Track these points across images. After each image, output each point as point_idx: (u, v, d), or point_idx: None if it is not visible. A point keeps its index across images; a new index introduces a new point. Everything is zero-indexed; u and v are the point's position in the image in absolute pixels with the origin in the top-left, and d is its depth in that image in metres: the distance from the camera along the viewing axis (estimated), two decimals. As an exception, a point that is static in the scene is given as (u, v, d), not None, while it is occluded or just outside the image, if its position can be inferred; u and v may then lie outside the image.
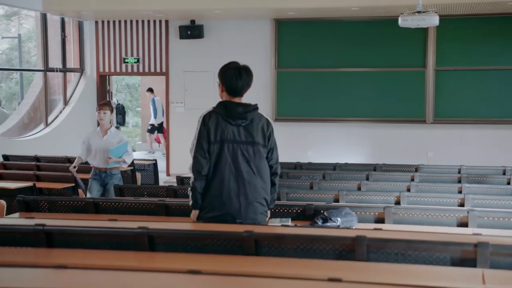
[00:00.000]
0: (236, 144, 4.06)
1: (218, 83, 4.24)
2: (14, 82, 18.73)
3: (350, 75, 11.97)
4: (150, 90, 15.62)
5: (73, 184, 7.46)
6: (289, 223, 4.34)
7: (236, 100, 4.17)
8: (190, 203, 4.10)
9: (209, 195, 4.06)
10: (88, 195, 7.16)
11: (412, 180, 6.99)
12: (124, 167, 7.58)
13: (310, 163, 8.76)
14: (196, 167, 4.06)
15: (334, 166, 8.27)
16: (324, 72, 12.04)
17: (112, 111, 7.28)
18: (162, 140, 15.77)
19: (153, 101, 15.48)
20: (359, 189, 6.45)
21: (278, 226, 4.10)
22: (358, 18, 11.78)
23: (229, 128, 4.07)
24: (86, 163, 7.53)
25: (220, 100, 4.22)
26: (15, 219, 4.41)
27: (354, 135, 12.08)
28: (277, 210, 4.64)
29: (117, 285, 2.56)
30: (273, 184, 4.25)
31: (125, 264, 3.06)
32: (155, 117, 15.48)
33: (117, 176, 7.30)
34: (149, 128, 15.74)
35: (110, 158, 7.04)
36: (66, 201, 4.93)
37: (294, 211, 4.63)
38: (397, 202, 5.54)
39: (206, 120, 4.10)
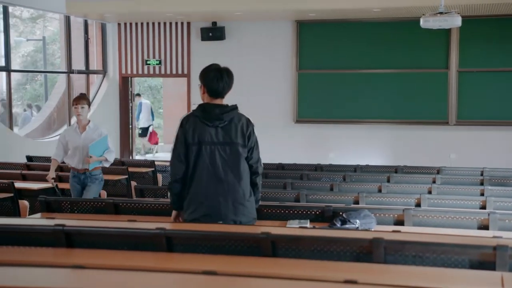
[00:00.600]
0: (214, 146, 4.11)
1: (199, 85, 4.27)
2: (39, 84, 18.92)
3: (372, 77, 11.92)
4: (138, 95, 15.73)
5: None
6: (308, 224, 4.33)
7: (217, 101, 4.21)
8: (170, 202, 4.25)
9: (190, 197, 4.13)
10: None
11: (434, 182, 6.93)
12: (107, 166, 6.74)
13: (330, 165, 8.74)
14: (172, 170, 4.18)
15: (355, 168, 8.24)
16: (345, 73, 12.01)
17: (90, 105, 6.72)
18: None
19: (140, 104, 15.59)
20: (379, 191, 6.41)
21: (296, 227, 4.10)
22: (380, 19, 11.72)
23: (207, 130, 4.12)
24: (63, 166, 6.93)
25: (201, 102, 4.26)
26: (36, 220, 4.46)
27: (375, 137, 12.03)
28: (295, 211, 4.64)
29: (133, 285, 2.58)
30: (254, 184, 4.26)
31: (142, 264, 3.08)
32: (137, 120, 15.54)
33: (98, 177, 6.65)
34: (140, 132, 15.83)
35: (90, 157, 6.38)
36: (87, 201, 4.97)
37: (313, 212, 4.62)
38: (418, 204, 5.50)
39: (183, 123, 4.17)
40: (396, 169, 8.12)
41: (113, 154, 6.67)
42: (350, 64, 11.98)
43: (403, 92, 11.82)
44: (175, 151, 4.16)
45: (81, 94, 6.88)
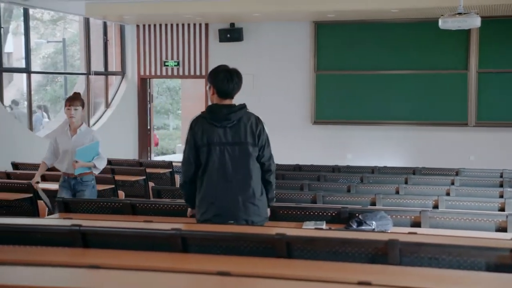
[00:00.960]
0: (223, 146, 4.12)
1: (209, 86, 4.27)
2: (59, 85, 19.09)
3: (390, 78, 11.87)
4: None
5: (113, 186, 7.45)
6: (324, 226, 4.33)
7: (226, 102, 4.21)
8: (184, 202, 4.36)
9: (201, 198, 4.17)
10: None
11: (452, 184, 6.89)
12: (96, 173, 6.24)
13: (348, 166, 8.72)
14: (183, 171, 4.24)
15: (373, 169, 8.20)
16: (363, 74, 11.97)
17: (83, 106, 6.21)
18: None
19: None
20: (397, 192, 6.38)
21: (312, 229, 4.09)
22: (398, 20, 11.67)
23: (215, 131, 4.13)
24: (53, 169, 6.53)
25: (210, 103, 4.28)
26: (54, 220, 4.50)
27: (394, 138, 11.97)
28: (312, 213, 4.63)
29: (147, 285, 2.59)
30: (267, 182, 4.25)
31: (157, 264, 3.10)
32: None
33: (90, 184, 6.15)
34: None
35: (77, 162, 5.90)
36: (104, 202, 5.01)
37: (329, 214, 4.61)
38: (436, 206, 5.47)
39: (192, 125, 4.22)
40: (414, 171, 8.07)
41: (103, 162, 6.20)
42: (368, 65, 11.94)
43: (422, 93, 11.75)
44: (185, 153, 4.22)
45: (75, 93, 6.32)
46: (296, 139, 12.25)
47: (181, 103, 18.95)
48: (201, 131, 4.15)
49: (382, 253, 3.15)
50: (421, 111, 11.77)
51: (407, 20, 11.66)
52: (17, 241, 3.56)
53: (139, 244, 3.46)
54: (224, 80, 4.17)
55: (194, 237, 3.40)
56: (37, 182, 6.23)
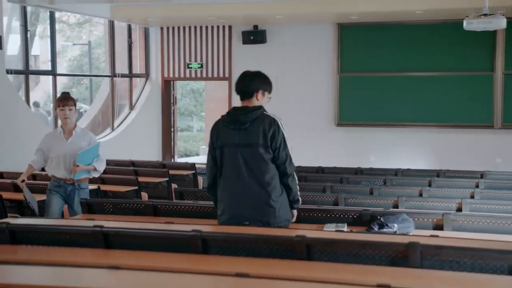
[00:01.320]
0: (236, 148, 4.15)
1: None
2: (84, 87, 19.27)
3: (414, 80, 11.79)
4: None
5: (137, 187, 7.51)
6: (345, 228, 4.31)
7: (244, 103, 4.26)
8: None
9: (219, 200, 4.24)
10: (47, 214, 5.77)
11: (477, 186, 6.81)
12: (96, 176, 5.99)
13: (371, 169, 8.66)
14: (206, 173, 4.35)
15: (396, 172, 8.15)
16: (387, 76, 11.91)
17: (76, 106, 5.80)
18: None
19: None
20: (420, 195, 6.33)
21: (333, 231, 4.08)
22: (422, 21, 11.59)
23: (229, 133, 4.18)
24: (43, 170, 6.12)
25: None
26: (77, 221, 4.54)
27: (418, 140, 11.89)
28: (333, 215, 4.62)
29: (166, 286, 2.60)
30: (285, 185, 4.21)
31: (177, 266, 3.11)
32: None
33: (86, 191, 5.83)
34: None
35: (77, 166, 5.58)
36: (127, 203, 5.04)
37: (350, 216, 4.60)
38: (459, 209, 5.40)
39: (212, 128, 4.31)
40: (438, 173, 8.01)
41: (103, 164, 5.87)
42: (392, 67, 11.87)
43: (447, 95, 11.65)
44: (207, 155, 4.32)
45: (66, 93, 5.86)
46: (319, 141, 12.22)
47: (205, 105, 19.02)
48: (216, 134, 4.23)
49: (403, 255, 3.13)
50: (446, 113, 11.67)
51: (431, 22, 11.57)
52: (41, 241, 3.61)
53: (160, 245, 3.48)
54: (237, 81, 4.29)
55: (215, 238, 3.41)
56: (23, 181, 5.74)
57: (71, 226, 3.77)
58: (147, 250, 3.46)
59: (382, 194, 6.42)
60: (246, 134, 4.14)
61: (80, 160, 5.59)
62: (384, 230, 4.13)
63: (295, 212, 4.36)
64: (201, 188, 8.78)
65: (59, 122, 5.93)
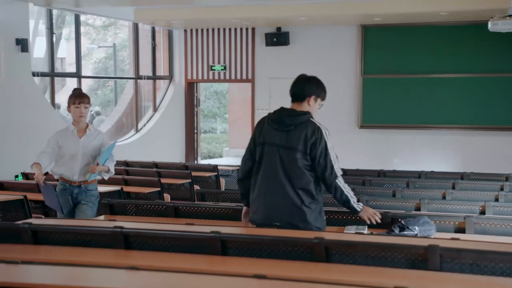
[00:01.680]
0: (276, 148, 4.15)
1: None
2: (109, 89, 19.45)
3: (438, 81, 11.70)
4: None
5: (159, 189, 7.53)
6: (365, 231, 4.29)
7: (294, 105, 4.27)
8: None
9: (252, 198, 4.24)
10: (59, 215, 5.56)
11: (502, 189, 6.73)
12: (106, 178, 5.68)
13: (394, 171, 8.61)
14: (240, 168, 4.37)
15: (419, 174, 8.09)
16: (411, 78, 11.83)
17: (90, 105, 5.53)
18: None
19: None
20: (443, 198, 6.27)
21: (352, 233, 4.06)
22: (447, 23, 11.50)
23: (272, 132, 4.18)
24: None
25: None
26: (98, 221, 4.58)
27: (442, 142, 11.79)
28: (353, 217, 4.59)
29: (182, 287, 2.62)
30: (330, 191, 4.21)
31: (195, 267, 3.12)
32: None
33: (95, 193, 5.55)
34: None
35: (98, 164, 5.35)
36: (148, 205, 5.07)
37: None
38: (482, 212, 5.35)
39: (257, 123, 4.33)
40: (462, 176, 7.93)
41: (114, 164, 5.61)
42: (416, 69, 11.79)
43: (472, 97, 11.54)
44: (246, 148, 4.32)
45: (79, 90, 5.61)
46: (342, 143, 12.13)
47: (228, 107, 19.07)
48: (259, 130, 4.24)
49: (422, 258, 3.10)
50: (471, 115, 11.56)
51: (455, 23, 11.48)
52: (62, 241, 3.65)
53: (179, 247, 3.49)
54: (292, 84, 4.31)
55: (234, 240, 3.42)
56: (45, 174, 5.38)
57: (92, 227, 3.80)
58: (166, 251, 3.48)
59: (405, 196, 6.37)
60: (288, 136, 4.13)
61: (102, 158, 5.39)
62: (405, 232, 4.10)
63: (362, 215, 4.29)
64: (223, 189, 8.81)
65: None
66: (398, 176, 8.18)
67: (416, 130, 11.89)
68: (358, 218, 4.58)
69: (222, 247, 3.41)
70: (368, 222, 4.28)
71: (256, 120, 13.06)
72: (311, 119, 4.20)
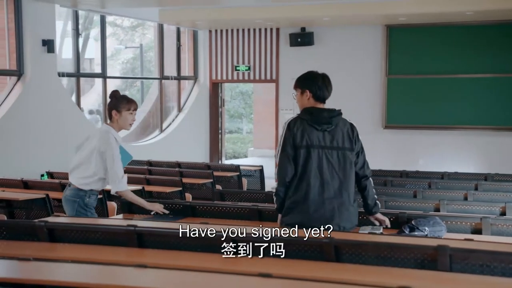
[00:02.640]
0: (322, 149, 4.10)
1: (301, 91, 4.24)
2: (136, 89, 19.62)
3: (464, 81, 11.58)
4: None
5: (181, 188, 7.55)
6: (380, 231, 4.26)
7: (320, 106, 4.22)
8: (275, 207, 4.23)
9: (295, 200, 4.11)
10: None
11: (525, 191, 6.64)
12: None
13: (417, 171, 8.54)
14: (280, 173, 4.12)
15: (442, 175, 8.02)
16: (436, 78, 11.73)
17: None
18: None
19: None
20: (465, 198, 6.21)
21: (365, 233, 4.05)
22: (472, 22, 11.38)
23: (315, 133, 4.10)
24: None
25: (301, 107, 4.26)
26: (112, 220, 4.64)
27: (468, 143, 11.66)
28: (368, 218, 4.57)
29: (190, 285, 2.64)
30: (364, 188, 4.25)
31: (205, 265, 3.15)
32: None
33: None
34: None
35: None
36: (167, 204, 5.10)
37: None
38: (503, 213, 5.29)
39: (291, 126, 4.14)
40: (486, 177, 7.84)
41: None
42: (441, 69, 11.69)
43: (498, 97, 11.41)
44: (283, 153, 4.12)
45: (119, 93, 5.18)
46: (366, 143, 11.89)
47: (254, 107, 19.11)
48: (300, 132, 4.11)
49: (432, 259, 3.09)
50: (497, 115, 11.42)
51: (481, 23, 11.35)
52: (77, 239, 3.70)
53: (190, 245, 3.51)
54: (323, 85, 4.20)
55: (245, 240, 3.43)
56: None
57: (106, 225, 3.85)
58: (178, 250, 3.51)
59: (426, 197, 6.32)
60: (331, 136, 4.11)
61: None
62: (415, 233, 4.08)
63: (379, 215, 4.33)
64: (245, 189, 8.83)
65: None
66: (421, 176, 8.11)
67: (441, 131, 11.78)
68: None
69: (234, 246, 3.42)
70: (377, 224, 4.28)
71: (280, 121, 13.09)
72: (343, 116, 4.25)
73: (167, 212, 4.93)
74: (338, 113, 4.21)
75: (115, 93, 5.12)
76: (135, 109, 5.08)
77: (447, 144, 11.79)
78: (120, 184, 4.91)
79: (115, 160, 4.90)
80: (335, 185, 4.09)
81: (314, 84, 4.21)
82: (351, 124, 4.24)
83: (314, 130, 4.11)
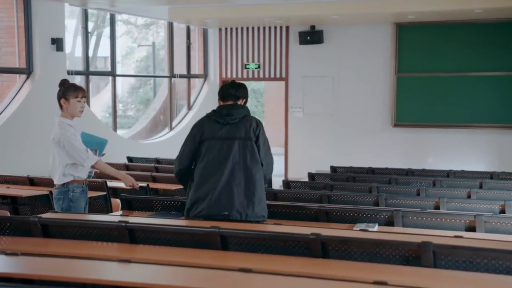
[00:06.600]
0: (223, 141, 4.39)
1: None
2: (149, 87, 19.72)
3: (473, 80, 11.51)
4: None
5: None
6: (375, 228, 4.28)
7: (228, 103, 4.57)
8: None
9: (197, 191, 4.34)
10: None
11: (528, 189, 6.61)
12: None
13: (423, 170, 8.52)
14: (176, 163, 4.60)
15: (448, 173, 8.00)
16: (446, 76, 11.67)
17: None
18: None
19: None
20: (469, 197, 6.19)
21: (357, 230, 4.07)
22: (482, 20, 11.30)
23: (216, 127, 4.45)
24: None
25: None
26: (105, 216, 4.70)
27: (478, 141, 11.59)
28: (364, 215, 4.60)
29: (178, 279, 2.68)
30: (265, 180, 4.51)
31: (194, 260, 3.18)
32: None
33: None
34: None
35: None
36: (163, 201, 5.15)
37: (382, 216, 4.57)
38: (502, 211, 5.28)
39: (196, 124, 4.58)
40: (491, 175, 7.82)
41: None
42: (450, 67, 11.62)
43: (508, 96, 11.30)
44: (182, 147, 4.54)
45: (67, 80, 5.17)
46: (376, 142, 12.10)
47: (265, 105, 19.13)
48: (203, 127, 4.48)
49: (416, 255, 3.11)
50: (507, 114, 11.33)
51: (491, 20, 11.28)
52: (70, 235, 3.75)
53: (181, 241, 3.56)
54: (224, 87, 4.66)
55: (232, 235, 3.46)
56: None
57: (98, 221, 3.90)
58: (169, 246, 3.55)
59: (429, 195, 6.31)
60: (235, 128, 4.43)
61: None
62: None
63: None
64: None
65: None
66: (426, 175, 8.10)
67: (451, 129, 11.72)
68: (368, 216, 4.58)
69: (222, 242, 3.46)
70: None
71: (290, 119, 13.02)
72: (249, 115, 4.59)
73: (137, 187, 5.30)
74: (241, 107, 4.54)
75: (64, 82, 5.14)
76: (84, 96, 5.09)
77: (457, 142, 11.72)
78: (88, 159, 5.03)
79: (71, 140, 5.01)
80: (237, 175, 4.32)
81: (220, 89, 4.75)
82: (257, 120, 4.55)
83: (216, 124, 4.47)
